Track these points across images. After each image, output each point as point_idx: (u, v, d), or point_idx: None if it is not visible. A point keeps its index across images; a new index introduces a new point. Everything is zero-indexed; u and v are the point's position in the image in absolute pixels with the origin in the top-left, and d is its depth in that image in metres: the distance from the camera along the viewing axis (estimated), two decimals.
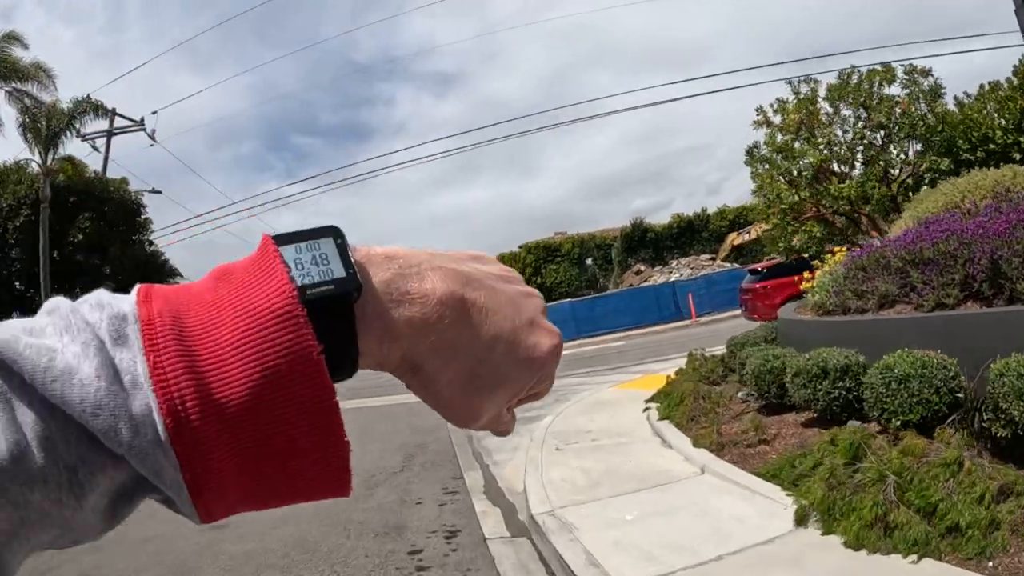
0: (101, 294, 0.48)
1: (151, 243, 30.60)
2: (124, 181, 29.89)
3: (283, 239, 0.52)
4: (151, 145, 34.03)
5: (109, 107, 31.41)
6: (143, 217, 30.18)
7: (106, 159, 31.89)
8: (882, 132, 12.40)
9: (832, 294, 9.18)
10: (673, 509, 6.21)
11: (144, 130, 33.53)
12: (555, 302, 42.25)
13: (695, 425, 9.00)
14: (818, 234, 12.64)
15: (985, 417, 6.08)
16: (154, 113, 36.09)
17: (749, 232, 49.24)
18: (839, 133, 12.57)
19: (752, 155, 13.27)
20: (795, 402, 7.95)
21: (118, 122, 32.71)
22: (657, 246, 56.44)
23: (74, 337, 0.43)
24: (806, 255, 12.75)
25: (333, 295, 0.49)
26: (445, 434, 13.01)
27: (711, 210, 58.02)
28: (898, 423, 6.27)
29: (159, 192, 35.16)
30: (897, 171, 12.72)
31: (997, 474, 5.19)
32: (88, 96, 29.29)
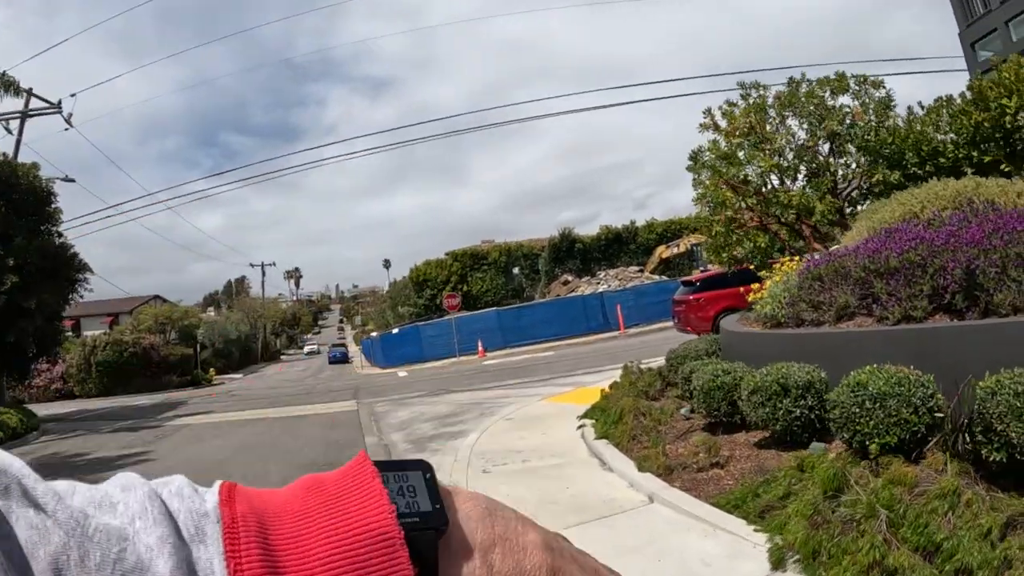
0: (182, 484, 0.48)
1: (60, 235, 28.43)
2: (35, 166, 27.62)
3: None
4: (66, 129, 32.05)
5: (25, 87, 29.39)
6: (53, 206, 28.01)
7: (18, 142, 29.60)
8: (831, 142, 11.87)
9: (785, 305, 8.53)
10: (625, 550, 5.32)
11: (60, 113, 31.38)
12: (480, 311, 41.47)
13: (637, 445, 8.20)
14: (763, 244, 12.03)
15: (971, 439, 5.43)
16: (72, 96, 33.96)
17: (678, 245, 49.42)
18: (790, 139, 11.96)
19: (696, 160, 12.62)
20: (748, 421, 7.23)
21: (34, 103, 30.57)
22: (585, 257, 56.38)
23: (149, 527, 0.41)
24: (752, 266, 12.09)
25: (420, 527, 0.48)
26: (360, 450, 11.97)
27: (640, 223, 58.27)
28: (874, 446, 5.57)
29: (72, 180, 33.06)
30: (846, 183, 12.22)
31: (1000, 505, 4.51)
32: (3, 73, 27.24)
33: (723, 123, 12.45)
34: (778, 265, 9.84)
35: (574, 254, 56.52)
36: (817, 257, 8.99)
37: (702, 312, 19.12)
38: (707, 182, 12.35)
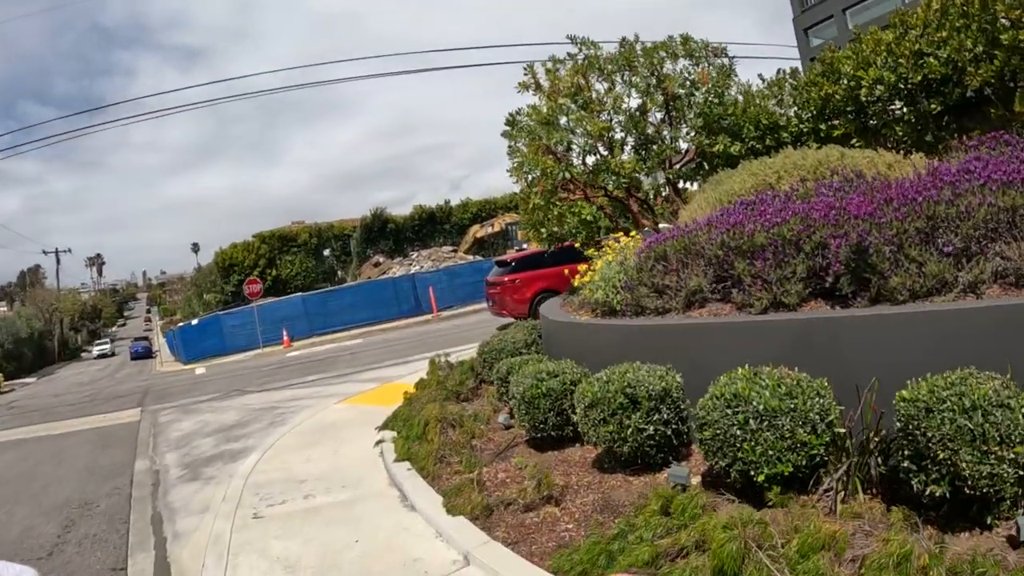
0: None
1: None
2: None
3: None
4: None
5: None
6: None
7: None
8: (668, 109, 10.52)
9: (621, 290, 7.01)
10: None
11: None
12: (286, 297, 38.53)
13: (446, 469, 6.43)
14: (589, 218, 10.53)
15: (883, 463, 4.08)
16: None
17: (492, 225, 48.40)
18: (622, 103, 10.46)
19: (513, 124, 10.94)
20: (582, 433, 5.63)
21: None
22: (398, 237, 54.40)
23: None
24: (577, 244, 10.53)
25: None
26: (126, 480, 9.79)
27: (454, 202, 56.93)
28: (762, 477, 4.10)
29: None
30: (679, 154, 10.92)
31: (964, 568, 3.12)
32: None
33: (546, 83, 10.85)
34: (611, 243, 8.34)
35: (387, 235, 54.34)
36: (660, 232, 7.54)
37: (518, 295, 17.66)
38: (525, 149, 10.71)
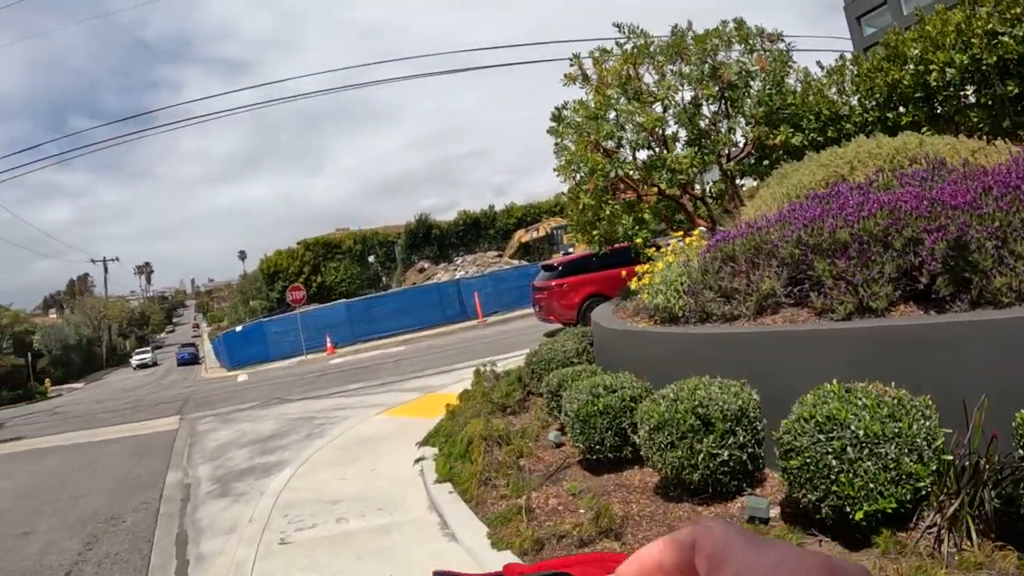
0: None
1: None
2: None
3: None
4: None
5: None
6: None
7: None
8: (723, 99, 9.84)
9: (683, 294, 6.40)
10: None
11: None
12: (330, 303, 38.38)
13: (491, 493, 5.88)
14: (647, 216, 9.87)
15: (995, 497, 3.46)
16: None
17: (537, 229, 47.79)
18: (676, 92, 9.78)
19: (559, 119, 10.35)
20: (645, 457, 5.03)
21: None
22: (442, 243, 54.06)
23: None
24: (638, 240, 9.85)
25: None
26: (156, 494, 9.49)
27: (498, 207, 56.42)
28: (861, 514, 3.49)
29: None
30: (737, 148, 10.19)
31: None
32: None
33: (593, 75, 10.25)
34: (672, 243, 7.71)
35: (431, 240, 54.03)
36: (727, 230, 6.90)
37: (566, 300, 17.09)
38: (572, 146, 10.11)
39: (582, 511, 4.95)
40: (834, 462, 3.56)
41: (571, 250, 34.12)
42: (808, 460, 3.67)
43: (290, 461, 9.55)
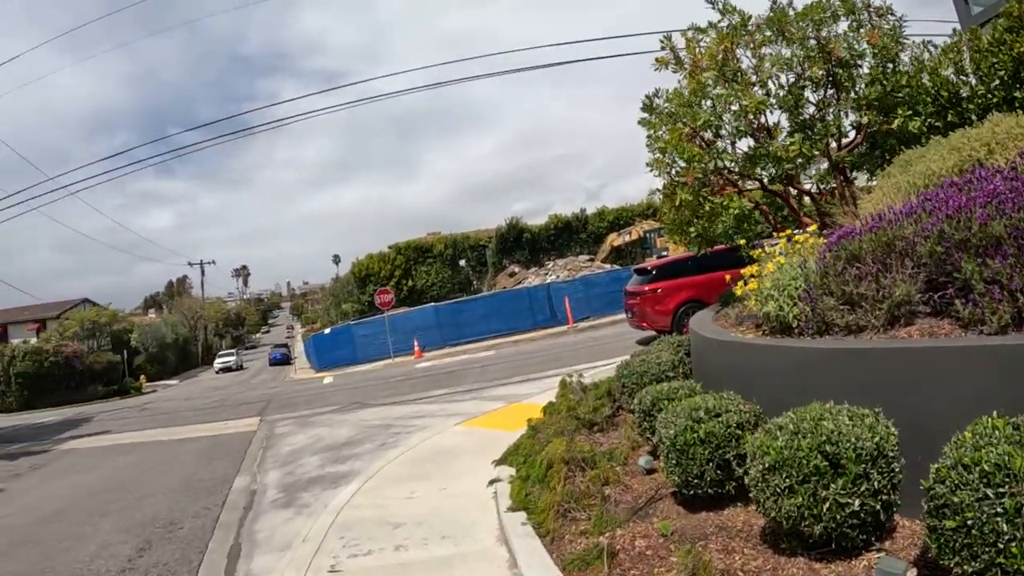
0: None
1: None
2: None
3: None
4: None
5: None
6: None
7: None
8: (830, 82, 8.75)
9: (798, 301, 5.47)
10: None
11: None
12: (418, 307, 38.24)
13: (570, 528, 5.09)
14: (748, 214, 8.88)
15: None
16: None
17: (630, 232, 46.64)
18: (782, 71, 8.72)
19: (650, 109, 9.47)
20: (757, 500, 4.15)
21: None
22: (533, 247, 53.53)
23: None
24: (744, 242, 8.85)
25: None
26: (220, 499, 9.19)
27: (590, 211, 55.52)
28: None
29: None
30: (844, 135, 9.05)
31: None
32: None
33: (687, 58, 9.31)
34: (781, 243, 6.72)
35: (522, 244, 53.58)
36: (850, 225, 5.90)
37: (660, 306, 16.13)
38: (666, 137, 9.20)
39: (674, 559, 4.12)
40: (1006, 526, 2.66)
41: (664, 253, 32.97)
42: (967, 520, 2.77)
43: (358, 473, 9.05)
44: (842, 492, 3.53)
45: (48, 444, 19.58)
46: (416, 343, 30.63)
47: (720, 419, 4.75)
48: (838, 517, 3.59)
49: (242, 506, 8.68)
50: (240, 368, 59.73)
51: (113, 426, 22.48)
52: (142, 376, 52.61)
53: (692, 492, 4.86)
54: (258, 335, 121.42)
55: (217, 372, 58.59)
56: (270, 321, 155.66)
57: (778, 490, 3.70)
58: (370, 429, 12.61)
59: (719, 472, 4.68)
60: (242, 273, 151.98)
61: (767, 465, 3.75)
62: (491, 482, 6.96)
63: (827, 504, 3.55)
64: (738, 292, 6.65)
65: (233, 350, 68.00)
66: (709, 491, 4.76)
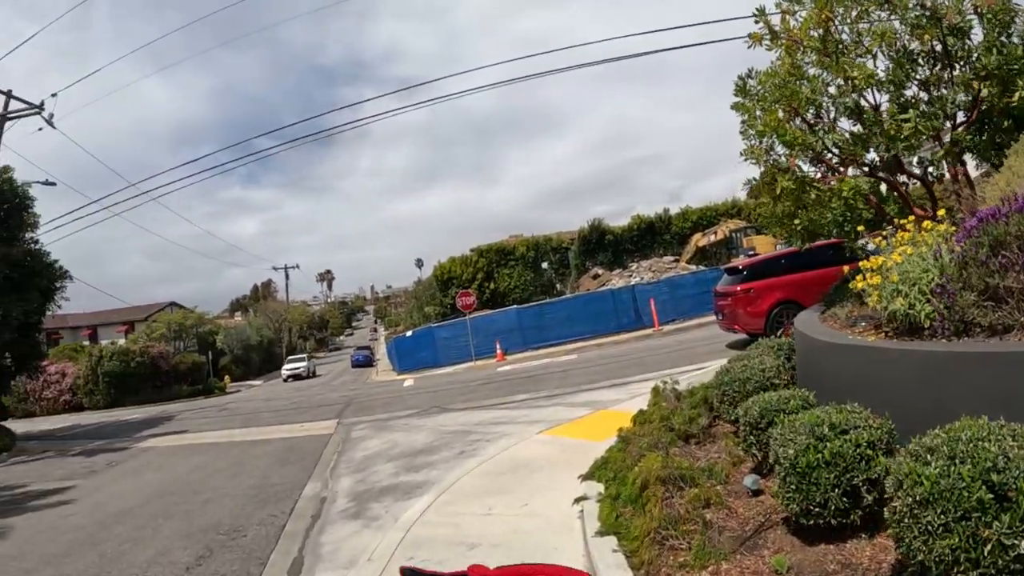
0: None
1: (36, 241, 25.14)
2: (6, 169, 24.18)
3: None
4: (40, 129, 28.70)
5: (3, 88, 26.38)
6: (31, 211, 24.61)
7: None
8: (942, 52, 7.86)
9: (931, 296, 4.75)
10: None
11: (41, 114, 28.13)
12: (500, 309, 37.88)
13: (667, 558, 4.50)
14: (859, 203, 8.04)
15: None
16: (54, 95, 30.33)
17: (715, 232, 45.30)
18: (891, 41, 7.86)
19: (744, 91, 8.77)
20: (900, 539, 3.47)
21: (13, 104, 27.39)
22: (616, 249, 52.57)
23: None
24: (859, 229, 8.03)
25: None
26: (288, 506, 8.93)
27: (673, 211, 54.25)
28: None
29: (52, 184, 29.79)
30: (958, 109, 8.10)
31: None
32: None
33: (782, 32, 8.53)
34: (901, 233, 5.94)
35: (605, 246, 52.68)
36: (993, 207, 5.11)
37: (753, 307, 15.27)
38: (761, 122, 8.44)
39: None
40: None
41: (752, 253, 31.75)
42: None
43: (434, 484, 8.67)
44: (1008, 532, 2.85)
45: (128, 442, 20.05)
46: (498, 346, 30.24)
47: (848, 437, 4.07)
48: (999, 562, 2.90)
49: (310, 515, 8.41)
50: (312, 375, 52.76)
51: (191, 425, 22.99)
52: (226, 376, 54.24)
53: (812, 521, 4.20)
54: (341, 337, 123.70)
55: (285, 380, 50.64)
56: (353, 324, 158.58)
57: (930, 528, 3.02)
58: (448, 435, 12.22)
59: (845, 499, 4.00)
60: (326, 277, 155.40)
61: (918, 498, 3.07)
62: (577, 500, 6.40)
63: (989, 546, 2.87)
64: (856, 287, 5.90)
65: (304, 355, 60.02)
66: (832, 521, 4.09)
